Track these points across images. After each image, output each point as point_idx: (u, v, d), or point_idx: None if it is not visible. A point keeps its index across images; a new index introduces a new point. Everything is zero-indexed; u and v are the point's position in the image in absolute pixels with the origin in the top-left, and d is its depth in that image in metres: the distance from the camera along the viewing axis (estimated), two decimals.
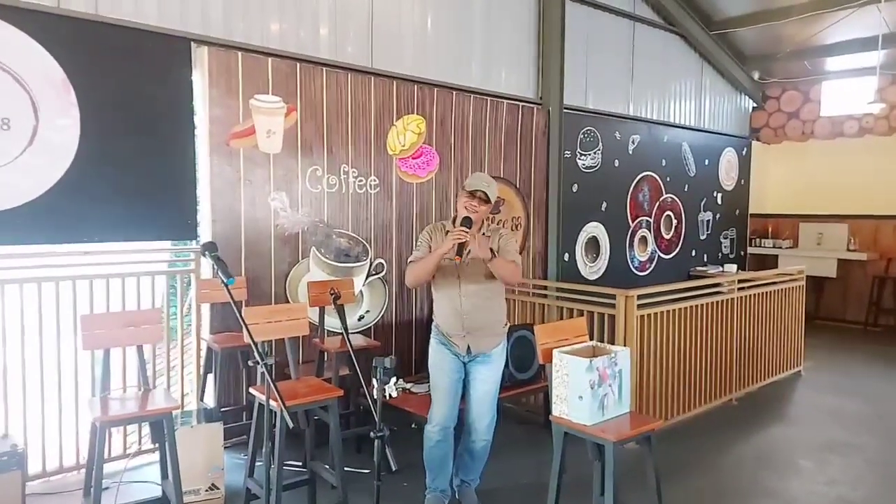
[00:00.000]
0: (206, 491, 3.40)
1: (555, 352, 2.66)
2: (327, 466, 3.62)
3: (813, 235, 9.03)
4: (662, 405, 4.59)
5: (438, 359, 3.30)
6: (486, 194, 3.14)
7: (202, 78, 4.11)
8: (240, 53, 4.23)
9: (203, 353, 4.18)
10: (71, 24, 3.61)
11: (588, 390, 2.53)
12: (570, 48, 6.20)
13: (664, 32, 7.59)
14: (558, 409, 2.66)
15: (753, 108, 9.32)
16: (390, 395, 2.50)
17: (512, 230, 5.85)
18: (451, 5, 5.49)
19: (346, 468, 3.21)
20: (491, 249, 3.04)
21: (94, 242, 3.77)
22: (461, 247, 3.02)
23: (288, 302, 4.48)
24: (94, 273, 3.76)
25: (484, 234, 3.26)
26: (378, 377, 2.48)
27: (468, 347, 3.21)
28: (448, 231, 3.18)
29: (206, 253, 2.56)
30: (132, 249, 3.99)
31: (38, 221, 3.54)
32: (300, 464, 3.86)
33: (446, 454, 3.30)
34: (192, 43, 4.08)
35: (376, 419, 2.49)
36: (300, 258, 4.57)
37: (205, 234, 4.22)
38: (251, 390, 3.04)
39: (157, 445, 3.18)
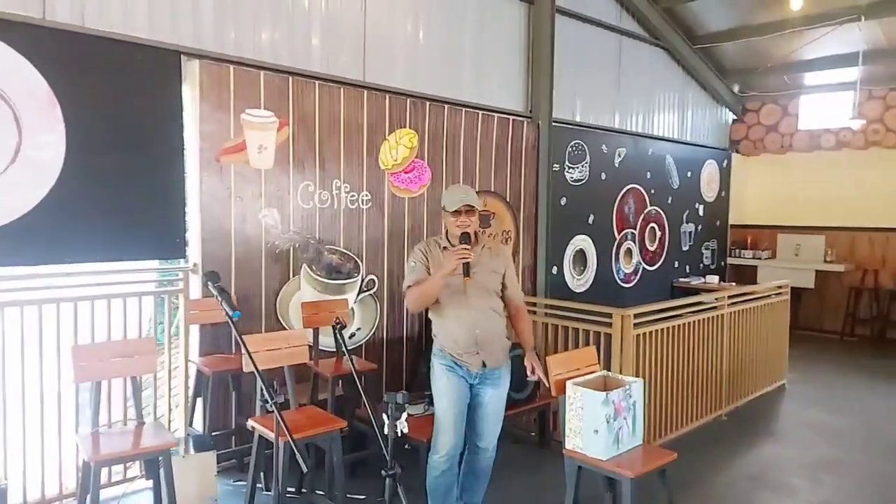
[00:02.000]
0: None
1: (569, 384, 2.61)
2: (322, 493, 3.55)
3: (791, 246, 9.19)
4: (655, 424, 4.58)
5: (445, 385, 3.16)
6: (469, 205, 3.08)
7: (192, 92, 3.99)
8: (231, 67, 4.11)
9: (192, 376, 4.04)
10: (56, 36, 3.46)
11: (604, 424, 2.50)
12: (559, 62, 6.19)
13: (649, 46, 7.65)
14: (572, 443, 2.62)
15: (734, 120, 9.46)
16: (402, 432, 2.42)
17: (503, 244, 5.80)
18: (443, 19, 5.44)
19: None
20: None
21: (79, 263, 3.62)
22: (467, 266, 2.97)
23: (279, 320, 4.38)
24: (80, 295, 3.61)
25: (486, 246, 3.22)
26: (390, 413, 2.40)
27: (483, 363, 3.12)
28: (445, 247, 3.13)
29: (209, 283, 2.46)
30: (118, 269, 3.83)
31: (22, 242, 3.38)
32: (294, 490, 3.75)
33: (452, 483, 3.22)
34: (182, 56, 3.95)
35: (387, 457, 2.42)
36: (291, 276, 4.46)
37: (194, 252, 4.09)
38: (251, 422, 2.94)
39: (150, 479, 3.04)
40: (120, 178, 3.71)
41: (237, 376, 3.97)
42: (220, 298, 2.39)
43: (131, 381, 2.88)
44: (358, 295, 4.83)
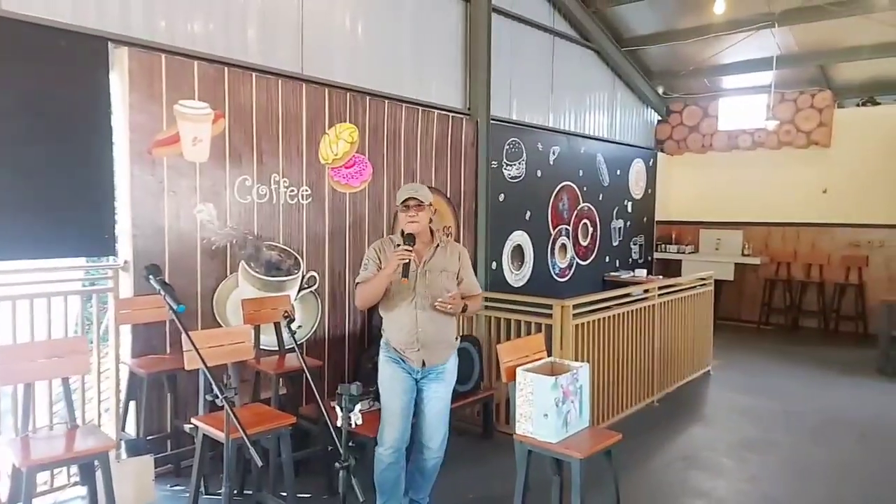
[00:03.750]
0: None
1: (518, 370, 2.66)
2: (263, 492, 3.47)
3: (712, 241, 9.68)
4: (594, 410, 4.72)
5: (389, 379, 3.21)
6: (417, 200, 3.10)
7: (121, 81, 3.81)
8: (163, 56, 3.95)
9: (124, 379, 3.86)
10: None
11: (553, 408, 2.56)
12: (496, 60, 6.29)
13: (580, 48, 7.88)
14: (522, 428, 2.67)
15: (659, 121, 9.87)
16: (356, 424, 2.41)
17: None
18: (382, 14, 5.42)
19: (284, 493, 3.07)
20: (465, 305, 3.10)
21: None
22: (406, 267, 2.98)
23: (216, 319, 4.24)
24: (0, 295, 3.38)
25: (439, 245, 3.23)
26: (343, 405, 2.38)
27: (423, 361, 3.15)
28: (398, 245, 3.14)
29: (151, 277, 2.36)
30: (42, 268, 3.61)
31: None
32: (236, 491, 3.64)
33: (399, 476, 3.23)
34: (109, 43, 3.77)
35: (341, 450, 2.39)
36: (228, 273, 4.33)
37: (124, 249, 3.91)
38: (195, 421, 2.83)
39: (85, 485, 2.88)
40: (43, 171, 3.50)
41: (173, 377, 3.83)
42: (163, 293, 2.30)
43: (62, 383, 2.72)
44: (298, 292, 4.74)
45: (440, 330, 3.18)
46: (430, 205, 3.17)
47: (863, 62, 7.89)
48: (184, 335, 2.34)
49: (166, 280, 2.41)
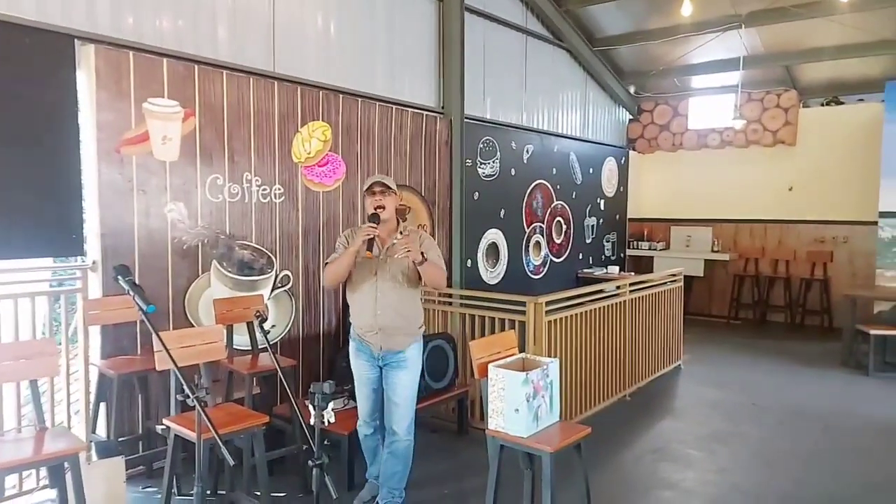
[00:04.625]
0: None
1: (490, 367, 2.70)
2: (237, 492, 3.46)
3: (682, 238, 9.84)
4: (567, 405, 4.79)
5: (355, 365, 3.41)
6: (383, 184, 3.24)
7: (88, 79, 3.75)
8: (131, 53, 3.90)
9: (94, 380, 3.81)
10: None
11: (524, 403, 2.60)
12: (469, 59, 6.33)
13: (553, 47, 7.95)
14: (494, 423, 2.71)
15: (630, 120, 10.01)
16: (328, 422, 2.42)
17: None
18: (354, 13, 5.41)
19: (258, 492, 3.07)
20: (422, 253, 3.12)
21: None
22: (371, 242, 3.10)
23: (188, 319, 4.21)
24: None
25: (401, 232, 3.31)
26: (316, 403, 2.39)
27: (380, 346, 3.26)
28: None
29: (119, 277, 2.34)
30: (8, 268, 3.55)
31: None
32: (209, 491, 3.63)
33: (377, 445, 3.52)
34: (75, 40, 3.71)
35: (314, 447, 2.41)
36: (200, 272, 4.30)
37: (93, 249, 3.86)
38: (167, 422, 2.81)
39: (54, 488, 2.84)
40: (8, 171, 3.44)
41: (143, 378, 3.80)
42: (132, 293, 2.28)
43: (31, 385, 2.68)
44: (272, 291, 4.72)
45: (400, 315, 3.27)
46: (396, 193, 3.31)
47: (826, 63, 8.09)
48: (154, 336, 2.32)
49: (136, 280, 2.38)
